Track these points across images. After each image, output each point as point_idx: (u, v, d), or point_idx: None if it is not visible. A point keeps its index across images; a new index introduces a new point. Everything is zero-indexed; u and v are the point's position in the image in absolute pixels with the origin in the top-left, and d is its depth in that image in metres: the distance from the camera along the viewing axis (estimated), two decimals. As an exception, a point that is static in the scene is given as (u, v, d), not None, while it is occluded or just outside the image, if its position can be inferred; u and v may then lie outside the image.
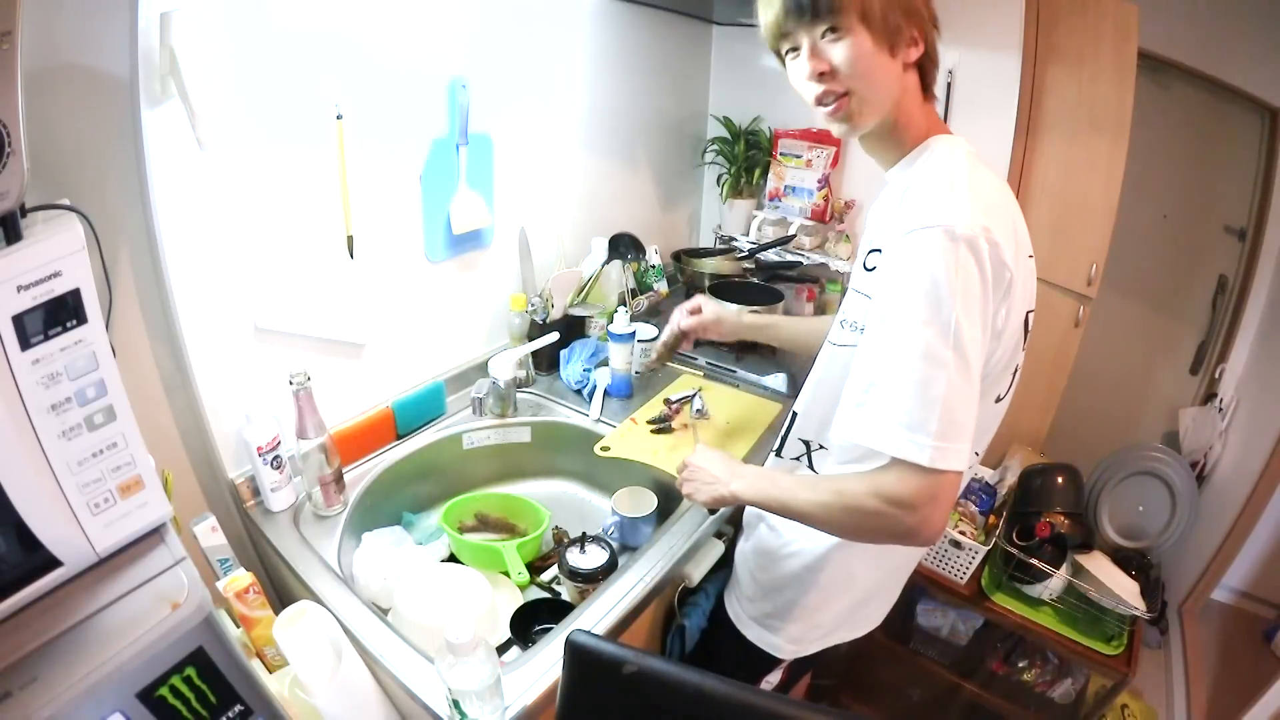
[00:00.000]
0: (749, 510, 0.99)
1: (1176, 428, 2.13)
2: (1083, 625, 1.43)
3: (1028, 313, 0.76)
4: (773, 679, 1.02)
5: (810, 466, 0.88)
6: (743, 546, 1.01)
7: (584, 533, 1.04)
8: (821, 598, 0.90)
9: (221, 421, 0.99)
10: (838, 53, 0.69)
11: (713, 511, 1.06)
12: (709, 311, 1.18)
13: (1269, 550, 1.97)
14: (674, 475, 1.13)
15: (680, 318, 1.21)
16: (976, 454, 0.85)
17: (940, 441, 0.61)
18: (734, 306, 1.26)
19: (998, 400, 0.79)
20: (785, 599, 0.92)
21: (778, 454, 0.94)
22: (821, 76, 0.70)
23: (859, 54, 0.69)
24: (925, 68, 0.75)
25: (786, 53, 0.74)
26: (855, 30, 0.68)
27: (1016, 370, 0.79)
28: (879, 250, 0.72)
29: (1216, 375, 2.12)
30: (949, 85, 1.58)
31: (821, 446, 0.86)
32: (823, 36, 0.69)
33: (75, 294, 0.54)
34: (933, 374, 0.62)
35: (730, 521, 1.10)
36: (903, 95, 0.73)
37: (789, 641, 0.95)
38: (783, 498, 0.78)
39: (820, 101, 0.72)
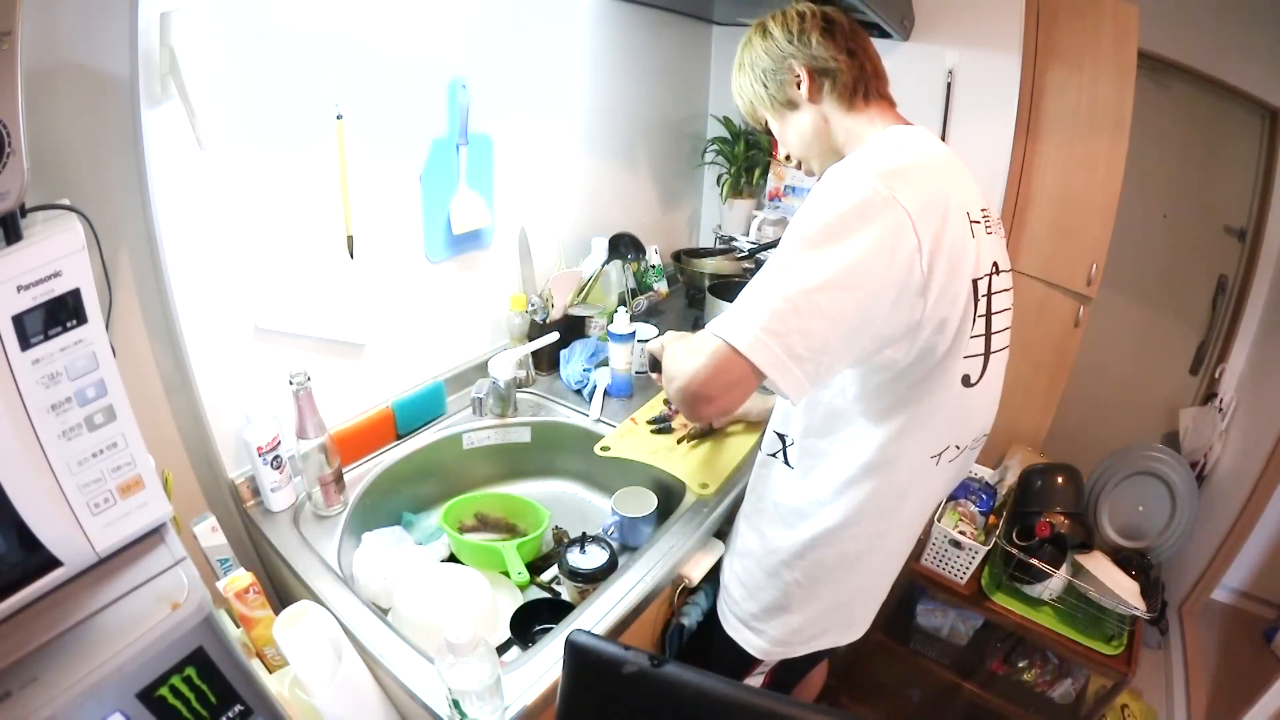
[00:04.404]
0: (739, 514, 1.01)
1: (1176, 428, 2.13)
2: (1083, 625, 1.43)
3: (976, 280, 0.71)
4: (753, 682, 1.01)
5: (786, 461, 0.90)
6: (729, 548, 1.02)
7: (584, 533, 1.04)
8: (802, 596, 0.90)
9: (221, 421, 0.99)
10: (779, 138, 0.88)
11: (654, 369, 1.22)
12: (738, 411, 1.19)
13: (1269, 550, 1.97)
14: (674, 475, 1.14)
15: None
16: (958, 447, 0.82)
17: (763, 335, 0.64)
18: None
19: (968, 384, 0.75)
20: (766, 599, 0.93)
21: (758, 447, 0.97)
22: (787, 158, 0.90)
23: (778, 134, 0.87)
24: (838, 80, 0.78)
25: None
26: (771, 119, 0.86)
27: (989, 355, 0.75)
28: None
29: (1216, 375, 2.12)
30: (949, 85, 1.58)
31: (793, 441, 0.88)
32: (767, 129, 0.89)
33: (75, 294, 0.54)
34: (779, 277, 0.66)
35: (730, 522, 1.10)
36: (825, 124, 0.81)
37: (771, 643, 0.95)
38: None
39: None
